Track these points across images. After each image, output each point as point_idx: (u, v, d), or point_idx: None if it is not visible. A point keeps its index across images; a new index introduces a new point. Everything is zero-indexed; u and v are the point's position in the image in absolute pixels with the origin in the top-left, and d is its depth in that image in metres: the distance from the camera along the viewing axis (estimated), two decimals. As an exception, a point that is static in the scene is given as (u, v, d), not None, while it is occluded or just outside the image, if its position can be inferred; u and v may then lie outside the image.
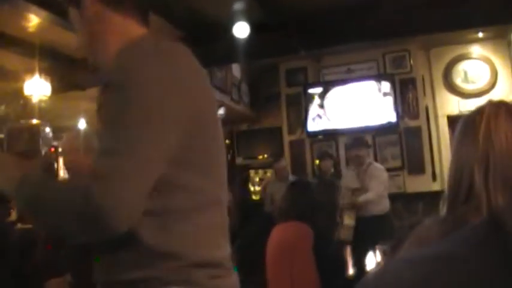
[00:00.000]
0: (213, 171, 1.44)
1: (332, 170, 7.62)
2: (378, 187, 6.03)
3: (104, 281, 1.41)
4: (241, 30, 6.11)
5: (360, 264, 4.35)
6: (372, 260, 3.86)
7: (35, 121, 1.58)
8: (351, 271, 4.61)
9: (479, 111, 1.22)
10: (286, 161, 8.22)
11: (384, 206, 6.12)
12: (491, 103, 1.24)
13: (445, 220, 1.21)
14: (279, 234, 3.72)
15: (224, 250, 1.46)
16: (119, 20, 1.52)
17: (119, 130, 1.24)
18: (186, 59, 1.45)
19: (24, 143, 1.50)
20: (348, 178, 6.40)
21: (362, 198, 5.98)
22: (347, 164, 8.68)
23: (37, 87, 6.34)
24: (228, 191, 1.54)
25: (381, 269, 0.61)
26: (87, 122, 9.99)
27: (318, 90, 8.84)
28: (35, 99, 6.41)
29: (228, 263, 1.45)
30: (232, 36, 6.12)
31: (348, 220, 5.83)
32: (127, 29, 1.53)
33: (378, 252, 3.65)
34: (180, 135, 1.31)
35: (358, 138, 6.89)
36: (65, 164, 2.52)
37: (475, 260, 0.50)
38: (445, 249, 0.53)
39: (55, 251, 2.74)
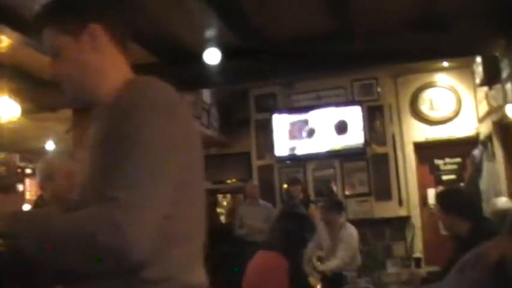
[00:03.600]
0: (197, 203, 1.48)
1: (301, 195, 7.67)
2: (345, 253, 5.79)
3: None
4: (212, 56, 6.14)
5: None
6: None
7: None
8: None
9: None
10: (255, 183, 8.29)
11: (355, 264, 5.90)
12: None
13: None
14: (257, 262, 3.77)
15: (204, 276, 1.50)
16: (117, 55, 1.51)
17: (132, 167, 1.25)
18: (186, 112, 1.50)
19: None
20: (322, 234, 6.02)
21: (326, 267, 5.67)
22: (315, 190, 8.79)
23: (6, 109, 6.27)
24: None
25: None
26: (56, 144, 9.89)
27: (287, 116, 8.93)
28: (3, 120, 6.33)
29: None
30: (203, 62, 6.16)
31: (313, 281, 5.17)
32: (122, 64, 1.52)
33: None
34: (179, 175, 1.36)
35: (335, 201, 6.61)
36: (56, 189, 2.45)
37: None
38: None
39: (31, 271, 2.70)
